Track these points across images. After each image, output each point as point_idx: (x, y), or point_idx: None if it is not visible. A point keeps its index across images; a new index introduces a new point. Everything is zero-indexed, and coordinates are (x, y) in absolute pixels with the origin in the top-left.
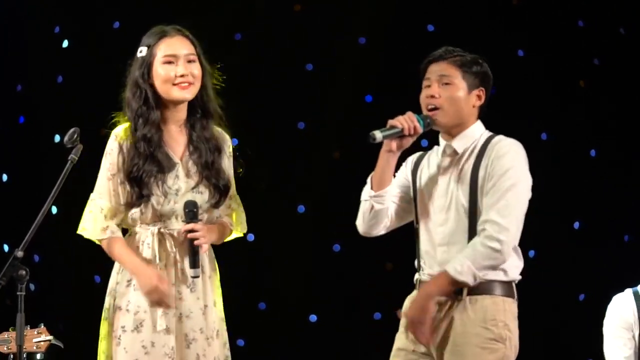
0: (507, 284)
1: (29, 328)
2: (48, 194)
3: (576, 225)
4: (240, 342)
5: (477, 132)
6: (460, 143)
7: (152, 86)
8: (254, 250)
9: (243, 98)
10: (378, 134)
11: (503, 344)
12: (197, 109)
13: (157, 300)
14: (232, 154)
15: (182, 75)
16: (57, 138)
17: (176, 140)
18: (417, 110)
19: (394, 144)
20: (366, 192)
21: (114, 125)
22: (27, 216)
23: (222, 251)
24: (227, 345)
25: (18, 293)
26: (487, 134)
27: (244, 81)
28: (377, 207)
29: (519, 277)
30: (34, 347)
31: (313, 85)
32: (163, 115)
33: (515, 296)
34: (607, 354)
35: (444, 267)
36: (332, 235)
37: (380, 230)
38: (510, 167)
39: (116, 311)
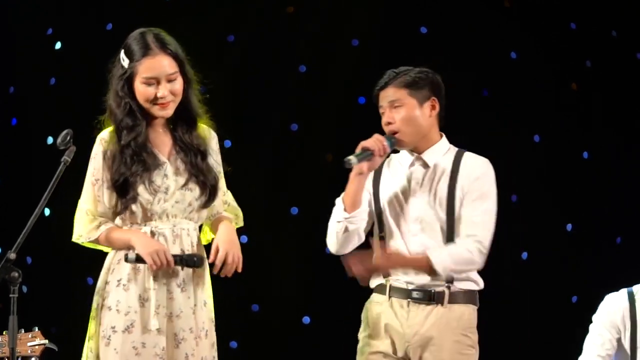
0: (473, 293)
1: (23, 331)
2: (41, 196)
3: (569, 227)
4: (233, 344)
5: (444, 147)
6: (430, 157)
7: (134, 99)
8: (247, 251)
9: (236, 100)
10: (354, 159)
11: (475, 349)
12: (180, 114)
13: (158, 255)
14: (218, 150)
15: (161, 97)
16: (49, 140)
17: (162, 140)
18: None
19: (364, 166)
20: (339, 214)
21: (102, 127)
22: (20, 218)
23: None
24: (215, 346)
25: (10, 295)
26: (454, 149)
27: (237, 83)
28: (351, 228)
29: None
30: (29, 351)
31: (306, 86)
32: (148, 119)
33: (478, 304)
34: (584, 348)
35: (426, 252)
36: (325, 238)
37: (351, 248)
38: (487, 190)
39: (105, 310)
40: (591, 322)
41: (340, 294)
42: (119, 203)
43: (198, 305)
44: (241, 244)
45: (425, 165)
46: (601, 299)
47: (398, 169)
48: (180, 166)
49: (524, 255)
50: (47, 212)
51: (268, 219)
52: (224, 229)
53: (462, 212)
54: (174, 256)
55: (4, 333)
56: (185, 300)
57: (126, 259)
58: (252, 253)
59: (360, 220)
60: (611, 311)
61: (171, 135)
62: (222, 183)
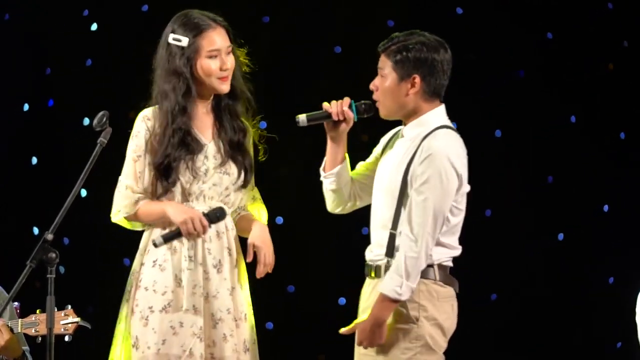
0: (431, 268)
1: (55, 310)
2: (77, 177)
3: (605, 208)
4: (269, 325)
5: (431, 120)
6: (410, 130)
7: (194, 78)
8: (283, 232)
9: (270, 81)
10: (303, 118)
11: (415, 324)
12: (233, 95)
13: (193, 222)
14: (251, 144)
15: (224, 69)
16: (86, 121)
17: (203, 121)
18: None
19: (330, 127)
20: (321, 173)
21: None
22: (57, 199)
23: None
24: (254, 329)
25: (48, 276)
26: (440, 123)
27: (272, 64)
28: (330, 187)
29: (441, 260)
30: (62, 330)
31: (341, 68)
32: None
33: (438, 277)
34: None
35: (380, 289)
36: (360, 218)
37: (346, 209)
38: (429, 177)
39: (141, 291)
40: (633, 311)
41: None
42: (159, 185)
43: (236, 288)
44: (277, 225)
45: (407, 138)
46: (638, 280)
47: (397, 141)
48: (221, 147)
49: (560, 236)
50: (83, 193)
51: (304, 200)
52: (259, 228)
53: (405, 200)
54: (203, 214)
55: (37, 312)
56: (222, 281)
57: (155, 244)
58: (288, 234)
59: (341, 181)
60: None
61: (213, 114)
62: (252, 176)
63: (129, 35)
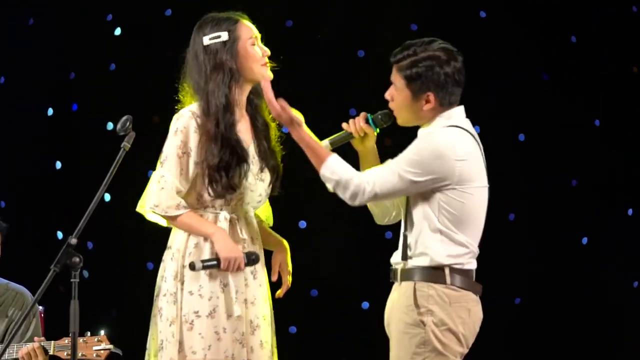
0: (432, 270)
1: (89, 335)
2: (101, 182)
3: (630, 211)
4: (293, 329)
5: (440, 122)
6: (420, 134)
7: (239, 69)
8: (306, 236)
9: (293, 84)
10: (326, 143)
11: (422, 328)
12: (257, 92)
13: (235, 262)
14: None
15: (265, 55)
16: (109, 126)
17: (243, 124)
18: None
19: (357, 146)
20: None
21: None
22: (80, 204)
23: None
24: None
25: (72, 280)
26: (448, 124)
27: (295, 68)
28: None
29: (453, 263)
30: (94, 355)
31: (364, 71)
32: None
33: (449, 281)
34: None
35: (416, 264)
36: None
37: (392, 219)
38: (406, 152)
39: (186, 295)
40: None
41: None
42: (209, 189)
43: (267, 294)
44: (300, 229)
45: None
46: None
47: None
48: (257, 152)
49: (584, 240)
50: (107, 197)
51: (326, 204)
52: (283, 248)
53: (413, 200)
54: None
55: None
56: (257, 288)
57: (192, 268)
58: (311, 238)
59: None
60: None
61: (248, 117)
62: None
63: (152, 40)
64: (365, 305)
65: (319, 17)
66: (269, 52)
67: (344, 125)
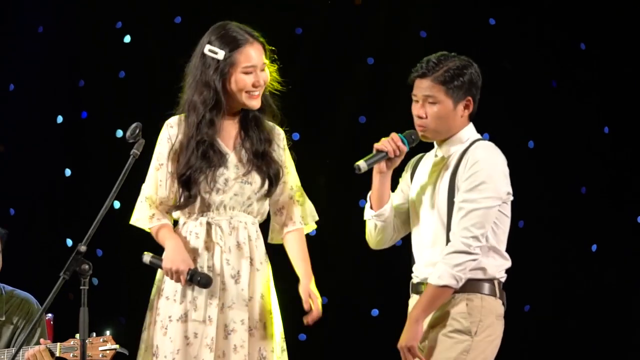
0: (486, 282)
1: (94, 335)
2: (110, 189)
3: (639, 219)
4: (302, 337)
5: (465, 136)
6: (447, 148)
7: (225, 92)
8: (316, 244)
9: (304, 92)
10: (363, 165)
11: (470, 337)
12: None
13: (174, 274)
14: (286, 146)
15: (257, 86)
16: (119, 133)
17: (228, 131)
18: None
19: (383, 166)
20: (368, 212)
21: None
22: (90, 211)
23: (282, 245)
24: (277, 338)
25: (81, 287)
26: (474, 137)
27: (305, 75)
28: (380, 225)
29: (501, 276)
30: (100, 356)
31: (374, 78)
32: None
33: (498, 295)
34: None
35: (428, 276)
36: None
37: (389, 243)
38: (483, 179)
39: (162, 300)
40: None
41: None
42: (181, 199)
43: (255, 297)
44: (309, 237)
45: (444, 156)
46: None
47: (429, 161)
48: (244, 156)
49: (594, 247)
50: (116, 205)
51: (337, 212)
52: (310, 276)
53: (456, 202)
54: (188, 271)
55: (76, 336)
56: (239, 292)
57: (141, 258)
58: (321, 246)
59: (389, 217)
60: None
61: (239, 123)
62: (290, 178)
63: (162, 47)
64: (375, 312)
65: (328, 25)
66: (261, 83)
67: (378, 145)
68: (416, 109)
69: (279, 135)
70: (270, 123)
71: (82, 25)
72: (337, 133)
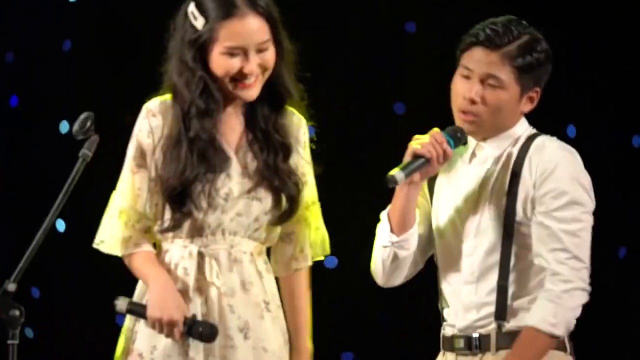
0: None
1: None
2: (51, 204)
3: None
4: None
5: (519, 131)
6: (496, 144)
7: (209, 73)
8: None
9: (324, 75)
10: (400, 175)
11: None
12: (264, 92)
13: (164, 327)
14: (307, 144)
15: (247, 73)
16: (64, 126)
17: (230, 125)
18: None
19: (416, 175)
20: (385, 236)
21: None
22: (22, 235)
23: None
24: None
25: (9, 342)
26: (529, 131)
27: (326, 56)
28: (402, 255)
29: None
30: None
31: (413, 55)
32: (225, 100)
33: (569, 349)
34: None
35: (523, 322)
36: None
37: (403, 280)
38: (569, 187)
39: (143, 332)
40: None
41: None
42: (167, 215)
43: (269, 352)
44: (328, 270)
45: (489, 158)
46: None
47: (456, 163)
48: (251, 164)
49: (622, 252)
50: (60, 226)
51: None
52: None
53: (536, 220)
54: (186, 321)
55: None
56: (248, 351)
57: (114, 306)
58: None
59: (413, 244)
60: None
61: (244, 117)
62: (309, 192)
63: (123, 5)
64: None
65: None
66: (253, 69)
67: (418, 149)
68: (468, 89)
69: (299, 129)
70: (293, 112)
71: None
72: (367, 127)
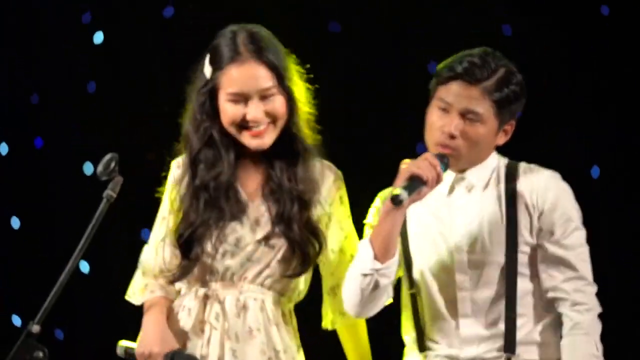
0: None
1: None
2: (75, 246)
3: None
4: None
5: (493, 161)
6: (478, 175)
7: (217, 122)
8: None
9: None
10: (404, 194)
11: None
12: (278, 144)
13: (145, 358)
14: (344, 198)
15: (251, 120)
16: (88, 168)
17: (250, 173)
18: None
19: (413, 198)
20: (367, 263)
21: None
22: (46, 276)
23: None
24: None
25: None
26: (504, 160)
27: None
28: (384, 283)
29: None
30: None
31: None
32: (236, 151)
33: None
34: None
35: (535, 356)
36: None
37: (377, 310)
38: (570, 213)
39: None
40: None
41: None
42: (179, 263)
43: None
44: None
45: (475, 187)
46: None
47: (432, 195)
48: (267, 213)
49: None
50: (85, 268)
51: None
52: None
53: (545, 249)
54: (168, 354)
55: None
56: None
57: (117, 351)
58: None
59: (394, 272)
60: None
61: (264, 170)
62: (349, 245)
63: (148, 47)
64: None
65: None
66: (256, 116)
67: (415, 170)
68: (447, 123)
69: (327, 183)
70: (316, 165)
71: (34, 16)
72: (388, 172)
